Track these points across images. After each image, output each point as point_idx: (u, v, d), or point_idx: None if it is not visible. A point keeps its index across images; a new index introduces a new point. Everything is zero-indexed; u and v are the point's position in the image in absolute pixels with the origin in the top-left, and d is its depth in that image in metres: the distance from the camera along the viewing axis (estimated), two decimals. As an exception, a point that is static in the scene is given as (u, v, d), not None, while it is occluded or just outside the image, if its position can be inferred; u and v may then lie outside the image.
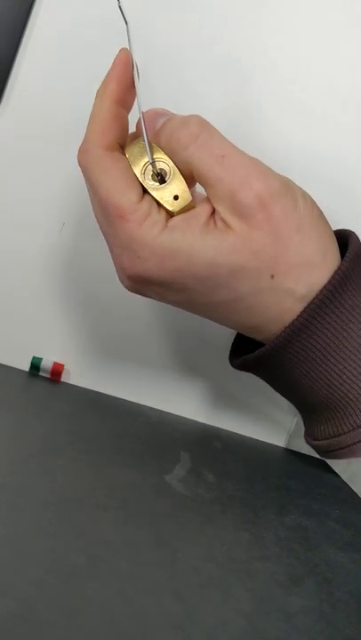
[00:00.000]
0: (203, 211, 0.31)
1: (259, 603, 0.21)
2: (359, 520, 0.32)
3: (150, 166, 0.32)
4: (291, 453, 0.43)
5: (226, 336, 0.41)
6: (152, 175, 0.32)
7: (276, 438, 0.44)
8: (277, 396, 0.37)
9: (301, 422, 0.44)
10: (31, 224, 0.41)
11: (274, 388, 0.37)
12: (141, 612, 0.18)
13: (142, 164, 0.32)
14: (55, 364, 0.42)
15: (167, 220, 0.31)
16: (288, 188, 0.31)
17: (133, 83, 0.32)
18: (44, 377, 0.42)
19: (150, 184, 0.32)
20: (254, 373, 0.37)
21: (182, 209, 0.31)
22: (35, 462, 0.27)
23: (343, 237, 0.35)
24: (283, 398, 0.37)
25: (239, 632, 0.19)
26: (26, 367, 0.42)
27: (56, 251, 0.41)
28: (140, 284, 0.32)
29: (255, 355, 0.34)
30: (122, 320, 0.42)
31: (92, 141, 0.31)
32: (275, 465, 0.39)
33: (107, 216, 0.31)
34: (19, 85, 0.40)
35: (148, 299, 0.34)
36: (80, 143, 0.32)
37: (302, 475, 0.38)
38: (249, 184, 0.30)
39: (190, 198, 0.31)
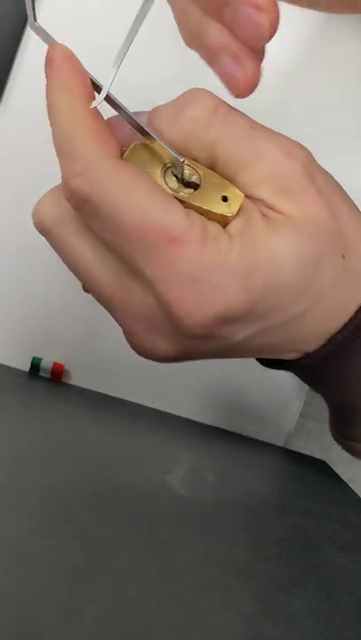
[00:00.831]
0: (250, 205, 0.25)
1: (259, 603, 0.21)
2: (359, 520, 0.32)
3: (168, 173, 0.25)
4: (291, 453, 0.43)
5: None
6: (177, 182, 0.25)
7: (276, 438, 0.44)
8: (277, 396, 0.37)
9: (301, 422, 0.44)
10: (31, 224, 0.41)
11: (312, 386, 0.32)
12: (141, 613, 0.18)
13: (158, 173, 0.24)
14: (55, 364, 0.42)
15: (225, 229, 0.25)
16: (311, 153, 0.27)
17: (88, 76, 0.24)
18: (44, 377, 0.42)
19: (187, 192, 0.24)
20: (297, 373, 0.32)
21: (239, 209, 0.25)
22: (35, 462, 0.27)
23: None
24: (283, 398, 0.37)
25: (239, 632, 0.19)
26: (26, 367, 0.42)
27: (56, 251, 0.41)
28: (213, 328, 0.24)
29: (314, 357, 0.28)
30: (122, 320, 0.42)
31: (91, 155, 0.23)
32: (275, 465, 0.39)
33: (143, 251, 0.23)
34: (19, 85, 0.40)
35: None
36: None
37: (302, 475, 0.38)
38: (292, 153, 0.25)
39: (242, 193, 0.25)
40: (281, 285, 0.24)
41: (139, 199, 0.23)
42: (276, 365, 0.31)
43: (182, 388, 0.43)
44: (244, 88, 0.24)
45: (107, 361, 0.43)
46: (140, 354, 0.27)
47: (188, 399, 0.43)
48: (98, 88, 0.24)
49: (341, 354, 0.28)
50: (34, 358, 0.42)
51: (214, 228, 0.24)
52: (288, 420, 0.44)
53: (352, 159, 0.42)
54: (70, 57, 0.24)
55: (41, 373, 0.42)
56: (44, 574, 0.18)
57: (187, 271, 0.23)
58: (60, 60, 0.24)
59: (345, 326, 0.27)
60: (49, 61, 0.24)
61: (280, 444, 0.44)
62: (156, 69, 0.40)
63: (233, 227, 0.24)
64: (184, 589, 0.20)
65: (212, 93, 0.25)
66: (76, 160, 0.23)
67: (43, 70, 0.41)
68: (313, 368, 0.30)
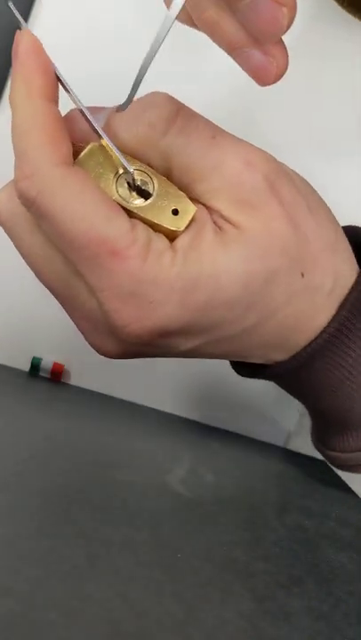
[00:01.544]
0: (204, 216, 0.25)
1: (259, 603, 0.21)
2: (359, 520, 0.32)
3: (121, 180, 0.24)
4: (291, 453, 0.43)
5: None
6: (128, 190, 0.24)
7: (277, 438, 0.44)
8: (277, 395, 0.37)
9: (301, 423, 0.44)
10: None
11: (290, 393, 0.33)
12: (141, 612, 0.18)
13: (110, 178, 0.24)
14: (55, 364, 0.42)
15: (172, 244, 0.24)
16: (279, 163, 0.26)
17: (55, 73, 0.24)
18: (44, 377, 0.42)
19: (136, 203, 0.24)
20: (272, 381, 0.32)
21: (189, 224, 0.24)
22: (35, 462, 0.27)
23: None
24: (283, 398, 0.37)
25: (239, 632, 0.19)
26: (26, 367, 0.42)
27: (56, 251, 0.41)
28: (151, 339, 0.24)
29: (283, 367, 0.28)
30: (122, 320, 0.42)
31: (41, 159, 0.22)
32: (275, 465, 0.39)
33: (85, 260, 0.23)
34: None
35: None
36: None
37: (302, 475, 0.38)
38: (253, 164, 0.24)
39: (194, 207, 0.24)
40: (224, 302, 0.24)
41: (84, 208, 0.22)
42: (251, 375, 0.32)
43: (182, 388, 0.43)
44: (275, 79, 0.24)
45: (107, 361, 0.43)
46: (94, 349, 0.27)
47: (188, 399, 0.43)
48: (62, 84, 0.24)
49: (310, 366, 0.28)
50: (34, 358, 0.42)
51: (159, 242, 0.24)
52: (288, 420, 0.44)
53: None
54: (37, 49, 0.23)
55: (41, 373, 0.42)
56: (44, 574, 0.18)
57: (126, 284, 0.23)
58: (25, 52, 0.23)
59: (313, 340, 0.27)
60: (14, 51, 0.23)
61: (280, 444, 0.44)
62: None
63: (180, 241, 0.24)
64: (184, 589, 0.20)
65: (173, 98, 0.24)
66: (27, 162, 0.23)
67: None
68: (285, 378, 0.30)
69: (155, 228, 0.24)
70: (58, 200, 0.22)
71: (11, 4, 0.24)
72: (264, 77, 0.24)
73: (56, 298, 0.26)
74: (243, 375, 0.33)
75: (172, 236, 0.24)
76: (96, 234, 0.22)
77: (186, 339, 0.25)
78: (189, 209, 0.24)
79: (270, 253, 0.24)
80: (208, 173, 0.24)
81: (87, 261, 0.23)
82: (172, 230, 0.24)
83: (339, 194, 0.30)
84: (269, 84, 0.24)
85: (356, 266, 0.29)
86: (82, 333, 0.27)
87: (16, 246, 0.26)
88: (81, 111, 0.24)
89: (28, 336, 0.42)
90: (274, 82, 0.24)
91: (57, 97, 0.24)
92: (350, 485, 0.37)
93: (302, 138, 0.40)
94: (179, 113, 0.24)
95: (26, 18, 0.40)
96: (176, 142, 0.24)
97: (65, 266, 0.25)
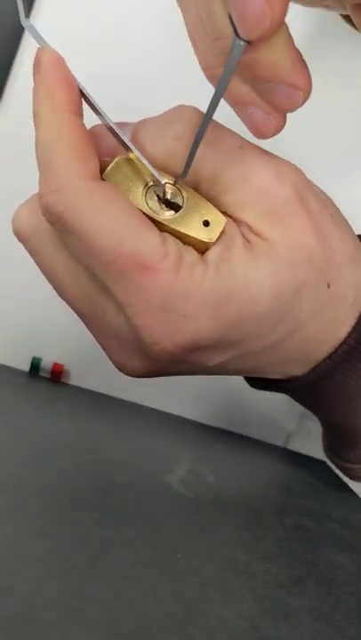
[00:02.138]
0: (233, 229, 0.24)
1: (259, 603, 0.21)
2: (359, 520, 0.32)
3: (150, 192, 0.24)
4: (291, 453, 0.43)
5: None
6: (158, 202, 0.24)
7: (276, 438, 0.44)
8: (278, 396, 0.37)
9: (301, 423, 0.44)
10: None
11: (302, 404, 0.33)
12: (141, 612, 0.18)
13: (139, 191, 0.23)
14: (55, 364, 0.42)
15: (202, 257, 0.24)
16: (304, 175, 0.26)
17: (78, 87, 0.23)
18: (44, 377, 0.42)
19: (167, 215, 0.24)
20: (286, 394, 0.32)
21: (220, 235, 0.24)
22: (35, 462, 0.27)
23: None
24: (283, 399, 0.37)
25: (239, 632, 0.19)
26: (26, 367, 0.42)
27: (56, 251, 0.41)
28: (182, 355, 0.24)
29: (301, 381, 0.28)
30: (122, 320, 0.42)
31: (68, 174, 0.22)
32: (275, 465, 0.39)
33: (114, 275, 0.22)
34: (19, 85, 0.40)
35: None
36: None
37: (302, 475, 0.38)
38: (282, 175, 0.24)
39: (224, 218, 0.24)
40: (255, 315, 0.24)
41: (113, 223, 0.22)
42: (266, 387, 0.32)
43: (182, 388, 0.43)
44: (272, 135, 0.24)
45: (107, 361, 0.43)
46: (117, 367, 0.27)
47: (188, 399, 0.43)
48: (85, 98, 0.23)
49: (328, 379, 0.28)
50: (34, 358, 0.42)
51: (190, 255, 0.23)
52: (288, 420, 0.44)
53: (350, 176, 0.42)
54: (59, 63, 0.23)
55: (41, 373, 0.42)
56: (44, 574, 0.18)
57: (157, 299, 0.22)
58: (47, 66, 0.23)
59: (334, 352, 0.27)
60: (37, 66, 0.23)
61: (280, 444, 0.44)
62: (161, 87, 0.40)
63: (211, 254, 0.24)
64: (184, 589, 0.20)
65: (200, 111, 0.24)
66: (53, 177, 0.22)
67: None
68: (302, 391, 0.30)
69: (185, 240, 0.24)
70: (85, 215, 0.22)
71: (31, 24, 0.23)
72: (262, 133, 0.24)
73: (80, 316, 0.26)
74: (256, 388, 0.33)
75: (202, 248, 0.24)
76: (126, 248, 0.22)
77: (215, 354, 0.25)
78: (220, 220, 0.24)
79: (298, 265, 0.24)
80: (237, 185, 0.24)
81: (116, 277, 0.22)
82: (204, 242, 0.24)
83: (347, 207, 0.30)
84: (266, 139, 0.24)
85: None
86: (106, 352, 0.26)
87: (38, 263, 0.26)
88: (107, 125, 0.24)
89: (28, 336, 0.42)
90: (270, 137, 0.24)
91: (82, 111, 0.24)
92: (350, 485, 0.37)
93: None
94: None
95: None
96: (204, 154, 0.24)
97: (91, 283, 0.24)
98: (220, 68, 0.22)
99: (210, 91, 0.25)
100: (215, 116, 0.25)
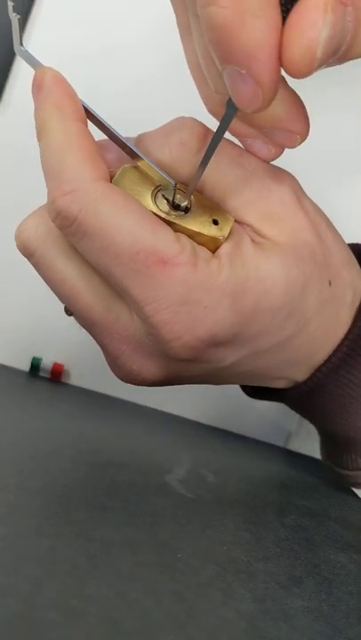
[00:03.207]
0: (239, 228, 0.25)
1: (259, 603, 0.21)
2: (359, 520, 0.32)
3: (159, 196, 0.24)
4: (291, 453, 0.43)
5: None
6: (167, 205, 0.24)
7: (276, 438, 0.44)
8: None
9: (301, 423, 0.44)
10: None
11: (298, 413, 0.33)
12: (141, 612, 0.18)
13: (148, 195, 0.24)
14: (55, 364, 0.42)
15: (215, 253, 0.25)
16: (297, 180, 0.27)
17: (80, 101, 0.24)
18: (44, 377, 0.42)
19: (177, 215, 0.24)
20: (284, 403, 0.33)
21: (230, 233, 0.25)
22: (35, 462, 0.27)
23: None
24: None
25: (239, 632, 0.19)
26: (26, 367, 0.42)
27: (56, 251, 0.41)
28: (201, 351, 0.24)
29: (300, 389, 0.29)
30: (122, 320, 0.42)
31: (82, 176, 0.23)
32: (275, 465, 0.39)
33: (133, 273, 0.23)
34: (19, 85, 0.40)
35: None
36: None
37: (302, 475, 0.38)
38: (280, 178, 0.25)
39: (232, 217, 0.25)
40: (269, 308, 0.24)
41: (130, 221, 0.22)
42: (264, 397, 0.32)
43: (182, 388, 0.43)
44: (270, 161, 0.26)
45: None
46: (125, 378, 0.27)
47: (188, 399, 0.43)
48: (88, 113, 0.24)
49: (327, 384, 0.28)
50: (34, 358, 0.42)
51: (203, 251, 0.24)
52: (288, 420, 0.44)
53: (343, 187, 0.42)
54: (61, 80, 0.24)
55: (41, 373, 0.42)
56: (44, 574, 0.18)
57: (177, 293, 0.23)
58: (51, 82, 0.23)
59: (332, 355, 0.28)
60: (38, 85, 0.24)
61: (280, 444, 0.44)
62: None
63: (222, 249, 0.24)
64: (184, 589, 0.20)
65: (201, 123, 0.25)
66: (67, 180, 0.23)
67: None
68: (300, 399, 0.30)
69: (196, 239, 0.24)
70: (102, 215, 0.22)
71: (25, 50, 0.24)
72: (262, 159, 0.26)
73: (91, 326, 0.26)
74: (255, 398, 0.33)
75: (213, 247, 0.25)
76: (144, 245, 0.22)
77: (230, 350, 0.25)
78: (229, 218, 0.25)
79: (303, 260, 0.25)
80: (238, 189, 0.25)
81: (135, 274, 0.23)
82: (216, 238, 0.24)
83: (344, 218, 0.31)
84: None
85: None
86: (117, 361, 0.26)
87: (47, 276, 0.26)
88: (112, 136, 0.24)
89: (28, 336, 0.42)
90: (269, 162, 0.26)
91: (87, 121, 0.24)
92: (350, 485, 0.37)
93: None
94: (208, 133, 0.25)
95: (27, 16, 0.40)
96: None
97: (104, 287, 0.25)
98: (219, 107, 0.23)
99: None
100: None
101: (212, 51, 0.19)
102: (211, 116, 0.26)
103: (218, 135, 0.23)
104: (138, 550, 0.22)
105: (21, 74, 0.40)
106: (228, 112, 0.22)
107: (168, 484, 0.29)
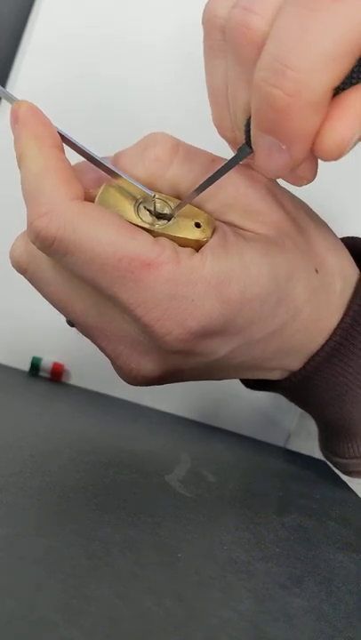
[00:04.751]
0: (222, 224, 0.26)
1: (259, 603, 0.21)
2: (359, 520, 0.32)
3: (141, 209, 0.25)
4: (291, 453, 0.43)
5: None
6: (150, 216, 0.25)
7: (277, 438, 0.44)
8: (278, 396, 0.37)
9: (301, 423, 0.44)
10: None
11: (296, 403, 0.34)
12: (142, 612, 0.18)
13: (131, 210, 0.25)
14: (55, 364, 0.42)
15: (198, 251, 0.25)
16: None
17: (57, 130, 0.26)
18: (44, 377, 0.42)
19: (162, 224, 0.25)
20: (281, 393, 0.33)
21: (213, 232, 0.26)
22: (35, 462, 0.27)
23: None
24: (283, 398, 0.37)
25: (239, 632, 0.19)
26: (26, 367, 0.42)
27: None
28: (194, 343, 0.25)
29: (296, 378, 0.29)
30: (122, 320, 0.42)
31: (57, 197, 0.24)
32: (275, 465, 0.39)
33: (118, 280, 0.23)
34: (19, 85, 0.40)
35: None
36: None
37: (302, 475, 0.38)
38: (255, 178, 0.26)
39: (213, 217, 0.26)
40: (257, 296, 0.25)
41: (108, 231, 0.23)
42: (261, 387, 0.33)
43: (182, 388, 0.43)
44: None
45: (107, 361, 0.43)
46: (127, 379, 0.28)
47: (189, 399, 0.43)
48: (64, 138, 0.26)
49: (322, 372, 0.29)
50: (34, 358, 0.42)
51: (186, 249, 0.25)
52: (288, 420, 0.44)
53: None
54: (36, 110, 0.25)
55: (41, 373, 0.42)
56: (44, 574, 0.18)
57: (164, 290, 0.24)
58: (26, 113, 0.25)
59: (325, 343, 0.28)
60: (15, 117, 0.25)
61: (280, 444, 0.44)
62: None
63: (206, 245, 0.25)
64: (184, 589, 0.20)
65: (171, 136, 0.26)
66: (43, 202, 0.24)
67: (43, 71, 0.41)
68: (296, 388, 0.30)
69: (181, 243, 0.25)
70: (80, 230, 0.23)
71: (1, 87, 0.26)
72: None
73: (88, 330, 0.27)
74: (252, 389, 0.33)
75: (198, 248, 0.26)
76: (125, 252, 0.23)
77: (224, 340, 0.26)
78: (210, 219, 0.26)
79: (286, 248, 0.26)
80: (215, 192, 0.26)
81: (121, 281, 0.23)
82: (200, 241, 0.25)
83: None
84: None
85: (357, 267, 0.30)
86: (117, 362, 0.27)
87: (42, 291, 0.27)
88: (89, 158, 0.25)
89: (28, 336, 0.42)
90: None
91: (62, 146, 0.25)
92: (350, 485, 0.37)
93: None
94: (179, 145, 0.26)
95: (27, 16, 0.40)
96: (181, 170, 0.26)
97: (94, 295, 0.25)
98: (229, 131, 0.25)
99: (210, 138, 0.26)
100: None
101: (256, 116, 0.20)
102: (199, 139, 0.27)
103: (221, 171, 0.24)
104: (138, 550, 0.22)
105: (21, 74, 0.40)
106: (239, 155, 0.23)
107: (168, 483, 0.29)
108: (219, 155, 0.27)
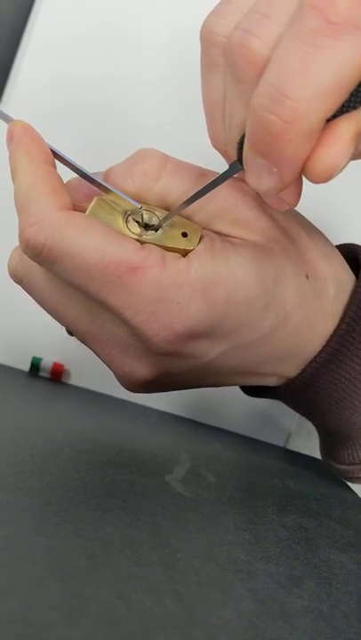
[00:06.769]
0: (209, 232, 0.27)
1: (259, 603, 0.21)
2: (359, 520, 0.32)
3: (130, 220, 0.26)
4: (291, 453, 0.43)
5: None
6: (139, 227, 0.26)
7: (277, 438, 0.44)
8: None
9: (301, 423, 0.44)
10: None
11: (295, 410, 0.34)
12: (141, 612, 0.18)
13: (120, 222, 0.26)
14: (55, 364, 0.42)
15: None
16: None
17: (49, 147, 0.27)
18: (44, 377, 0.42)
19: (150, 234, 0.26)
20: (280, 400, 0.33)
21: (200, 240, 0.27)
22: (35, 462, 0.27)
23: None
24: (283, 398, 0.37)
25: (239, 632, 0.19)
26: (26, 367, 0.42)
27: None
28: (182, 345, 0.26)
29: (293, 384, 0.29)
30: (122, 320, 0.42)
31: (47, 207, 0.24)
32: (275, 465, 0.39)
33: (107, 285, 0.24)
34: (19, 85, 0.40)
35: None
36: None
37: (302, 475, 0.38)
38: (243, 189, 0.27)
39: (200, 227, 0.27)
40: (243, 299, 0.25)
41: (95, 238, 0.24)
42: (260, 393, 0.33)
43: (182, 388, 0.43)
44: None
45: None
46: (123, 383, 0.28)
47: (188, 399, 0.43)
48: (57, 155, 0.27)
49: (319, 378, 0.29)
50: (34, 358, 0.42)
51: (172, 254, 0.25)
52: (288, 420, 0.44)
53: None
54: (29, 129, 0.26)
55: (41, 373, 0.42)
56: (44, 574, 0.18)
57: (150, 294, 0.24)
58: (20, 131, 0.26)
59: (322, 349, 0.28)
60: (10, 135, 0.26)
61: (280, 444, 0.44)
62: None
63: (193, 252, 0.26)
64: (184, 589, 0.20)
65: (160, 152, 0.27)
66: (32, 213, 0.25)
67: (43, 71, 0.41)
68: (295, 395, 0.31)
69: (169, 251, 0.26)
70: (68, 238, 0.24)
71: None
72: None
73: (82, 336, 0.28)
74: (252, 395, 0.34)
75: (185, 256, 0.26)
76: (112, 257, 0.24)
77: (212, 343, 0.26)
78: (197, 228, 0.27)
79: (274, 254, 0.27)
80: (204, 204, 0.26)
81: (109, 285, 0.24)
82: (186, 250, 0.26)
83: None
84: None
85: (352, 274, 0.30)
86: (111, 365, 0.28)
87: (36, 298, 0.28)
88: (80, 174, 0.26)
89: (28, 336, 0.42)
90: None
91: (54, 162, 0.26)
92: (350, 485, 0.37)
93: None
94: (167, 160, 0.27)
95: (27, 16, 0.40)
96: (169, 184, 0.27)
97: (86, 301, 0.26)
98: (222, 144, 0.25)
99: (208, 138, 0.26)
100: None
101: (250, 138, 0.20)
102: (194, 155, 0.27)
103: (211, 185, 0.24)
104: (138, 550, 0.22)
105: (21, 74, 0.40)
106: (229, 172, 0.24)
107: (168, 483, 0.29)
108: (213, 157, 0.27)
